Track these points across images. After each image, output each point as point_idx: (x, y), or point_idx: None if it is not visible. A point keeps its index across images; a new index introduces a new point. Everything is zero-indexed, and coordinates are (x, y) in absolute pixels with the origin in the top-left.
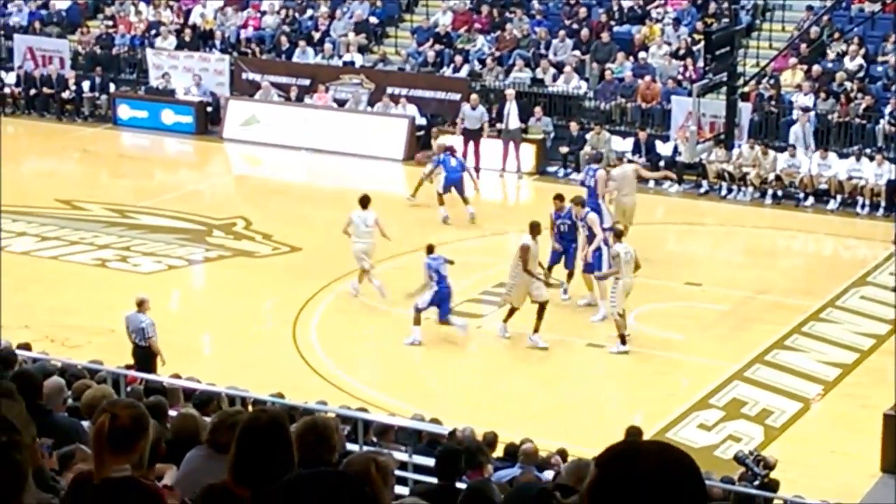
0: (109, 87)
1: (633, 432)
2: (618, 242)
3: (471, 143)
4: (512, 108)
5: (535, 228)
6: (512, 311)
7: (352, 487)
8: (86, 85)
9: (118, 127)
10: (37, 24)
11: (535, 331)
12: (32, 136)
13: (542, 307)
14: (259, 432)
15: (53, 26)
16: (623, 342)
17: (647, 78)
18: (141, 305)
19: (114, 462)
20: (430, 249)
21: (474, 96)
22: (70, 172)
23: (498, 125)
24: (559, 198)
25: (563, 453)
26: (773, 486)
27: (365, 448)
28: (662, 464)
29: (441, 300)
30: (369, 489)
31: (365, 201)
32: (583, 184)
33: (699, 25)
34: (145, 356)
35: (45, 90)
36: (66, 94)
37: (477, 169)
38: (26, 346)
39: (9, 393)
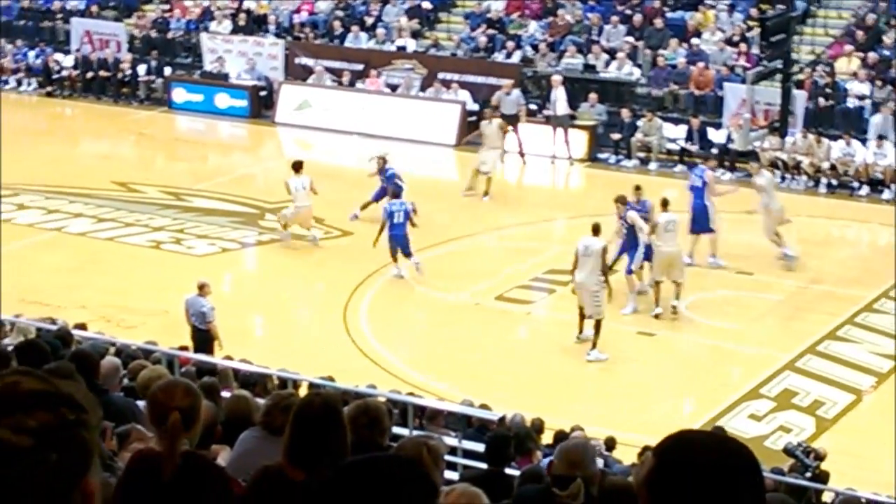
0: (165, 70)
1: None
2: (663, 212)
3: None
4: (559, 94)
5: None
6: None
7: (409, 472)
8: (141, 68)
9: (173, 110)
10: (94, 8)
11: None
12: (89, 119)
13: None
14: (313, 415)
15: (110, 10)
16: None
17: (701, 64)
18: (202, 289)
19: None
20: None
21: (507, 81)
22: (126, 155)
23: (546, 111)
24: (637, 189)
25: (610, 442)
26: (824, 477)
27: (414, 433)
28: (721, 453)
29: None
30: (425, 474)
31: (297, 166)
32: (692, 187)
33: (754, 12)
34: (204, 339)
35: (102, 73)
36: (121, 78)
37: (521, 154)
38: (82, 327)
39: (69, 373)
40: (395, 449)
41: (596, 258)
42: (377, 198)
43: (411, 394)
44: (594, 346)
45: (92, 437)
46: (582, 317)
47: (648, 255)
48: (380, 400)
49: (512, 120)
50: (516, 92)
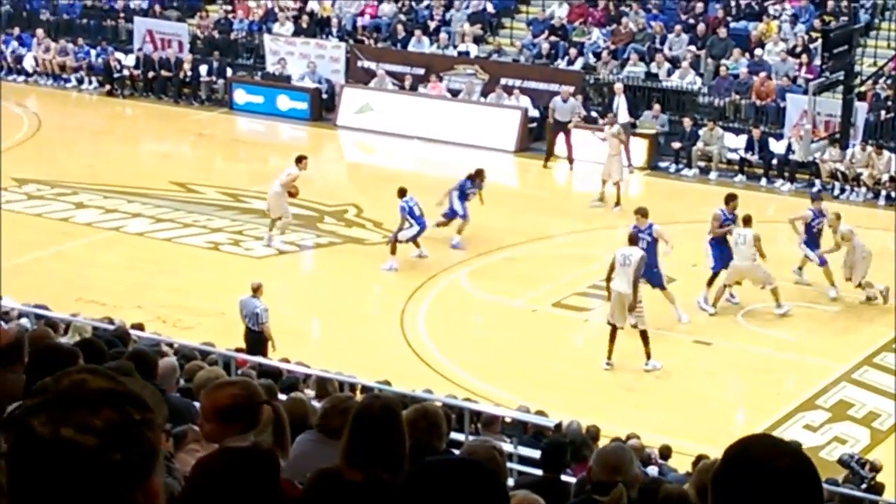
0: (226, 71)
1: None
2: (745, 228)
3: (562, 136)
4: (621, 102)
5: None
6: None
7: (484, 475)
8: (203, 69)
9: (234, 111)
10: (157, 8)
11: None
12: (149, 119)
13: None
14: (373, 418)
15: (173, 10)
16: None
17: (763, 75)
18: (256, 291)
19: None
20: (402, 193)
21: (565, 88)
22: (185, 155)
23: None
24: (732, 196)
25: (665, 450)
26: (879, 489)
27: (470, 438)
28: (783, 457)
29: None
30: (498, 477)
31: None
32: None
33: (817, 23)
34: (257, 340)
35: (164, 73)
36: (183, 78)
37: (570, 160)
38: (139, 327)
39: (128, 372)
40: (465, 452)
41: (635, 267)
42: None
43: (467, 399)
44: (648, 356)
45: (157, 437)
46: (612, 339)
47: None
48: (437, 405)
49: (564, 127)
50: (572, 100)
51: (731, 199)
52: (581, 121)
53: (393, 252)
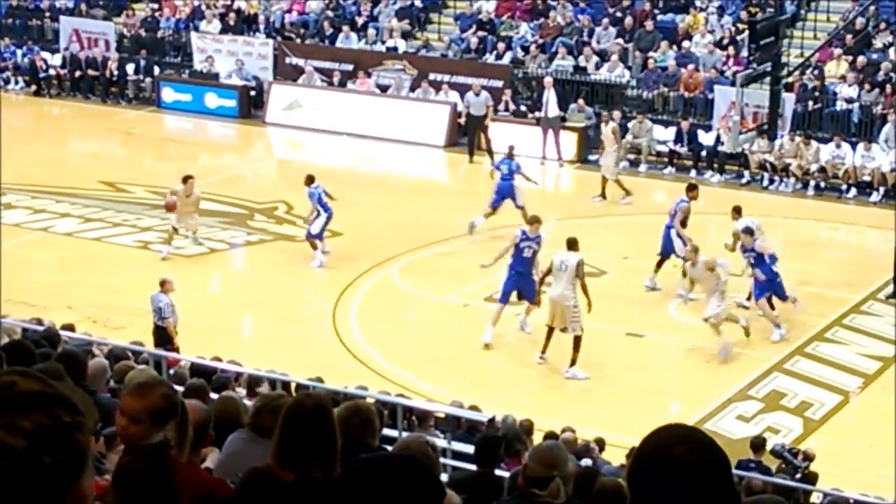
0: (154, 69)
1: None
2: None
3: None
4: (550, 96)
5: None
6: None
7: (420, 471)
8: (130, 67)
9: (162, 110)
10: (83, 7)
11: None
12: (77, 118)
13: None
14: (305, 416)
15: (99, 9)
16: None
17: (691, 67)
18: (163, 286)
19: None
20: (309, 180)
21: (476, 83)
22: (114, 155)
23: (537, 113)
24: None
25: (600, 442)
26: (813, 478)
27: (404, 434)
28: (692, 448)
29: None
30: (434, 473)
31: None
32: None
33: (743, 15)
34: (161, 336)
35: (90, 72)
36: (110, 77)
37: (490, 153)
38: (70, 327)
39: (57, 374)
40: (399, 447)
41: (571, 272)
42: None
43: (401, 395)
44: (573, 362)
45: (87, 440)
46: (548, 336)
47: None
48: (370, 401)
49: (479, 120)
50: (484, 93)
51: (691, 188)
52: (511, 115)
53: (314, 248)
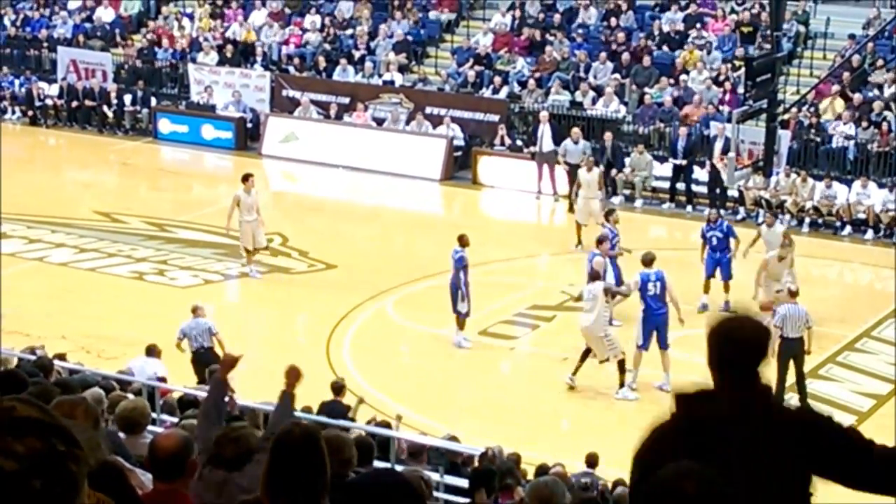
0: (151, 101)
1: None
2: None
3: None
4: (545, 131)
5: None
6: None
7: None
8: (127, 98)
9: (158, 141)
10: (81, 37)
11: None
12: (73, 148)
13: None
14: (292, 446)
15: (97, 39)
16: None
17: (694, 101)
18: (195, 312)
19: None
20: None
21: (575, 130)
22: (110, 185)
23: (532, 148)
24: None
25: (592, 458)
26: None
27: (398, 467)
28: (700, 483)
29: None
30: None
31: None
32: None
33: (740, 52)
34: (207, 359)
35: (87, 103)
36: (107, 108)
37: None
38: (62, 357)
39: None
40: None
41: (600, 301)
42: None
43: (384, 423)
44: (622, 384)
45: (81, 472)
46: (583, 358)
47: None
48: (344, 433)
49: (577, 169)
50: (584, 142)
51: (609, 213)
52: (506, 149)
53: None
